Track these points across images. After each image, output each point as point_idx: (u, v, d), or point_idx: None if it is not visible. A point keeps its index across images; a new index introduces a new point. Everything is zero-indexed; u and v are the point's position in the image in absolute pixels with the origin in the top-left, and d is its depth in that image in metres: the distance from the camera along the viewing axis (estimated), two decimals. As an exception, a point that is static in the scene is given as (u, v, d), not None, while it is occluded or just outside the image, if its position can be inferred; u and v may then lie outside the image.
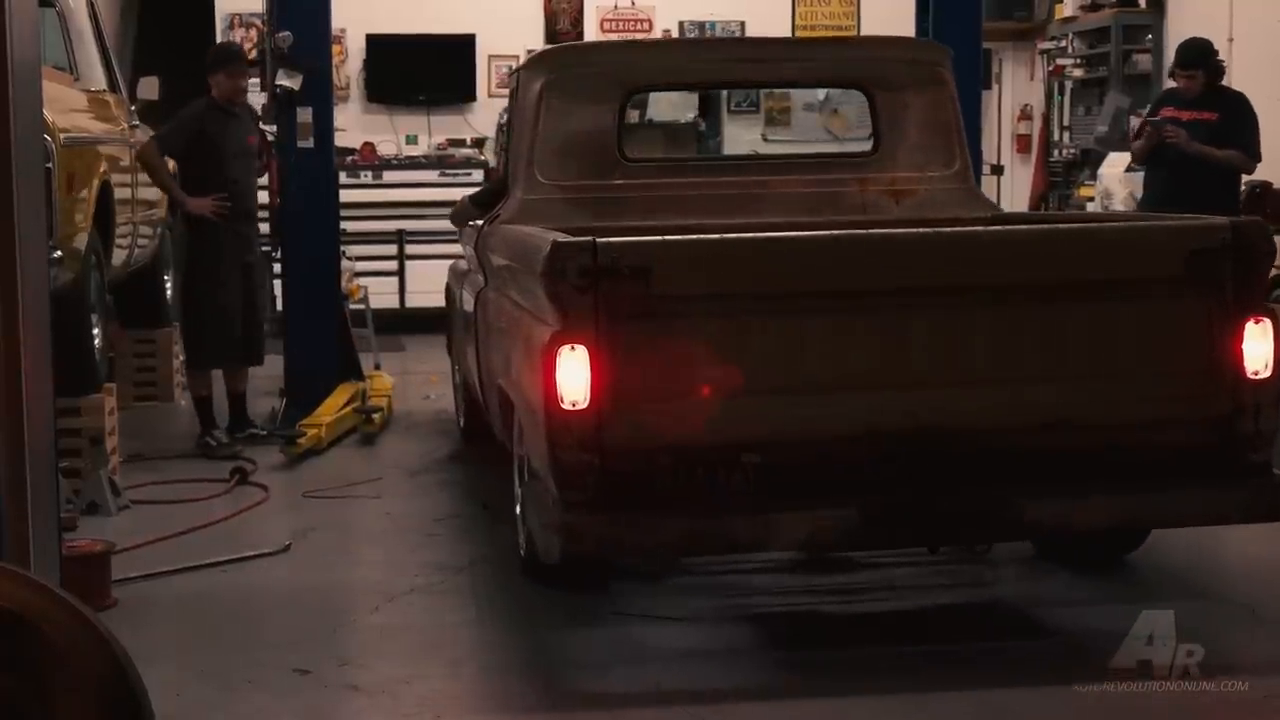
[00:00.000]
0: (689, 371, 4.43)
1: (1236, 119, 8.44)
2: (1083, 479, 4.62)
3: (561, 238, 4.53)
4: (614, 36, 13.72)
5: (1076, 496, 4.61)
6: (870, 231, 5.03)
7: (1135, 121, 9.91)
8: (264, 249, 8.70)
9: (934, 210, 6.26)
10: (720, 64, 6.89)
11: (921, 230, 5.03)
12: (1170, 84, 9.17)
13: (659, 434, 4.42)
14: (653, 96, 12.91)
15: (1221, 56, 8.74)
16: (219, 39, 13.41)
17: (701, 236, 4.77)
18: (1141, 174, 9.14)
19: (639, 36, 13.73)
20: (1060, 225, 5.48)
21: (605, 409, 4.37)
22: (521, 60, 11.25)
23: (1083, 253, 4.77)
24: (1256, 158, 8.47)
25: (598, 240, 4.39)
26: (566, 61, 6.51)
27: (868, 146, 6.69)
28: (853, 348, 4.53)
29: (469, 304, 6.63)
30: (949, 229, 5.49)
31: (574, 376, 4.35)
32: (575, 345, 4.35)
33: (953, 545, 5.41)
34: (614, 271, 4.35)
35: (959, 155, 6.46)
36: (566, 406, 4.36)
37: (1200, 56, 8.62)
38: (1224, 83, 8.79)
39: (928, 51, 6.69)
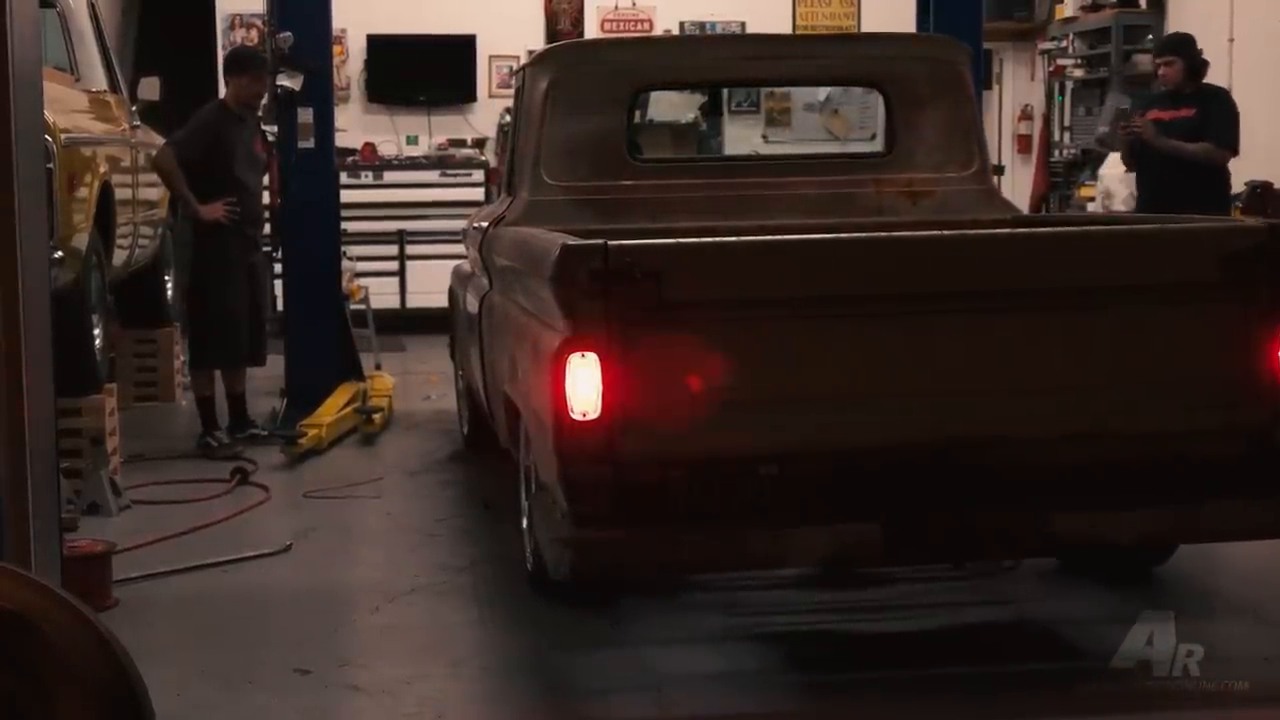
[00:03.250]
0: (704, 380, 4.20)
1: (1213, 112, 8.56)
2: (1115, 492, 4.40)
3: (571, 240, 4.35)
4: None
5: (1108, 510, 4.40)
6: (897, 234, 4.79)
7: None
8: (265, 249, 8.72)
9: (952, 212, 6.10)
10: (732, 61, 6.67)
11: (950, 233, 4.86)
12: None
13: (673, 445, 4.21)
14: (653, 95, 12.83)
15: (1202, 50, 8.79)
16: (219, 39, 13.44)
17: (718, 239, 4.57)
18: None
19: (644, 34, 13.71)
20: (1091, 227, 5.12)
21: (617, 419, 4.15)
22: (523, 60, 11.25)
23: (1117, 256, 4.54)
24: (1229, 148, 8.54)
25: (609, 243, 4.18)
26: (574, 58, 6.37)
27: (872, 147, 6.61)
28: (875, 355, 4.31)
29: (473, 308, 6.46)
30: (978, 231, 5.29)
31: (584, 385, 4.15)
32: (586, 353, 4.14)
33: (980, 561, 5.15)
34: (626, 276, 4.13)
35: (977, 155, 6.32)
36: (577, 417, 4.16)
37: (1176, 43, 8.86)
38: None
39: (945, 48, 6.50)
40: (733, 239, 4.58)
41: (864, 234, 4.99)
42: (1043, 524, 4.36)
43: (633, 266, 4.14)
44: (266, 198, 8.88)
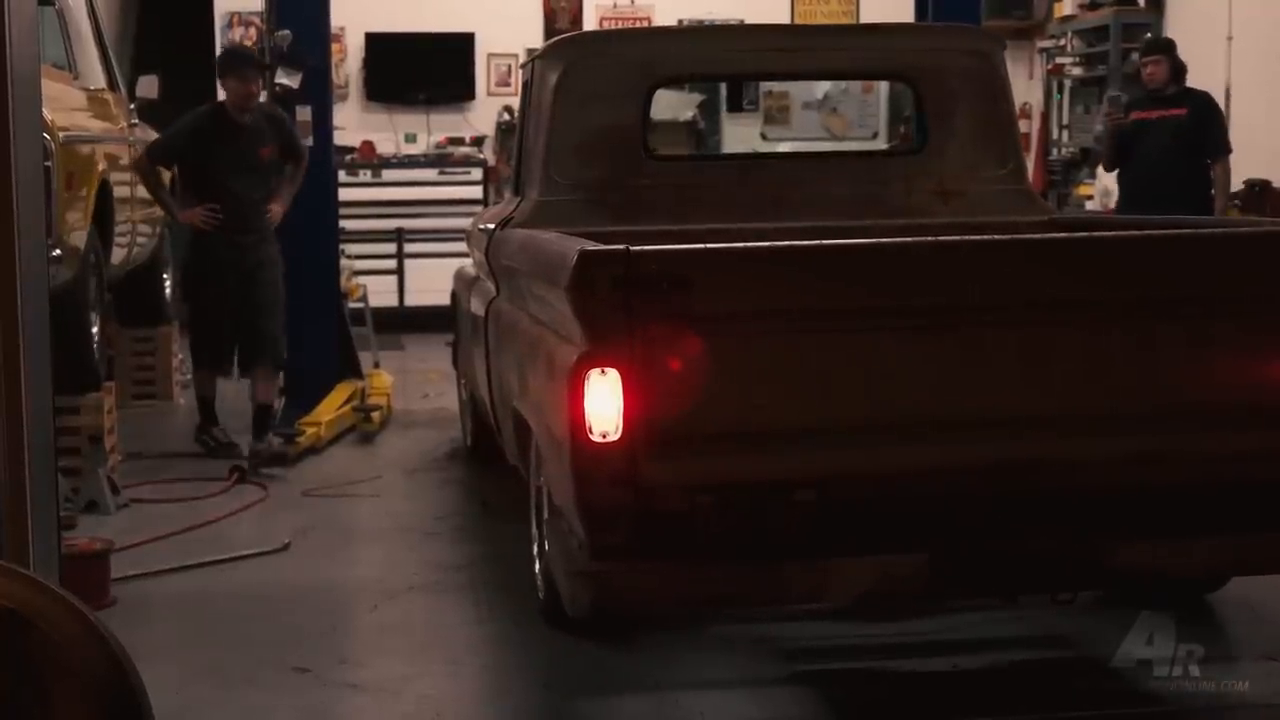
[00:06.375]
0: (736, 398, 3.85)
1: (1204, 116, 8.79)
2: (1182, 519, 4.05)
3: (589, 245, 3.95)
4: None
5: (1176, 539, 4.05)
6: (955, 239, 4.33)
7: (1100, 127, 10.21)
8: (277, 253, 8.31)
9: (986, 212, 5.76)
10: (754, 54, 6.23)
11: (1014, 238, 4.56)
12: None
13: (702, 469, 3.85)
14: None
15: (1181, 55, 9.07)
16: (218, 37, 13.44)
17: (751, 244, 4.14)
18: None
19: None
20: (1155, 231, 4.63)
21: (640, 441, 3.79)
22: (521, 58, 11.22)
23: (1189, 262, 4.15)
24: (1226, 150, 8.83)
25: (631, 248, 3.79)
26: (587, 50, 5.99)
27: (879, 145, 6.36)
28: (921, 370, 3.94)
29: (478, 315, 6.10)
30: (1041, 235, 5.05)
31: (605, 404, 3.78)
32: (606, 368, 3.78)
33: (1034, 594, 4.52)
34: (651, 284, 3.75)
35: (1012, 154, 6.04)
36: (596, 438, 3.79)
37: (1163, 44, 9.13)
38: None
39: (978, 40, 6.19)
40: (769, 244, 4.20)
41: (923, 239, 4.44)
42: (1104, 554, 4.01)
43: (659, 274, 3.77)
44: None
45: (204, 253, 7.86)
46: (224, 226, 7.75)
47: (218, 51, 13.29)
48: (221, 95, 8.22)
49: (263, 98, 8.59)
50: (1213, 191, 8.88)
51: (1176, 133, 8.65)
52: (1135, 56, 12.22)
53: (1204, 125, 8.69)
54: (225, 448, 7.87)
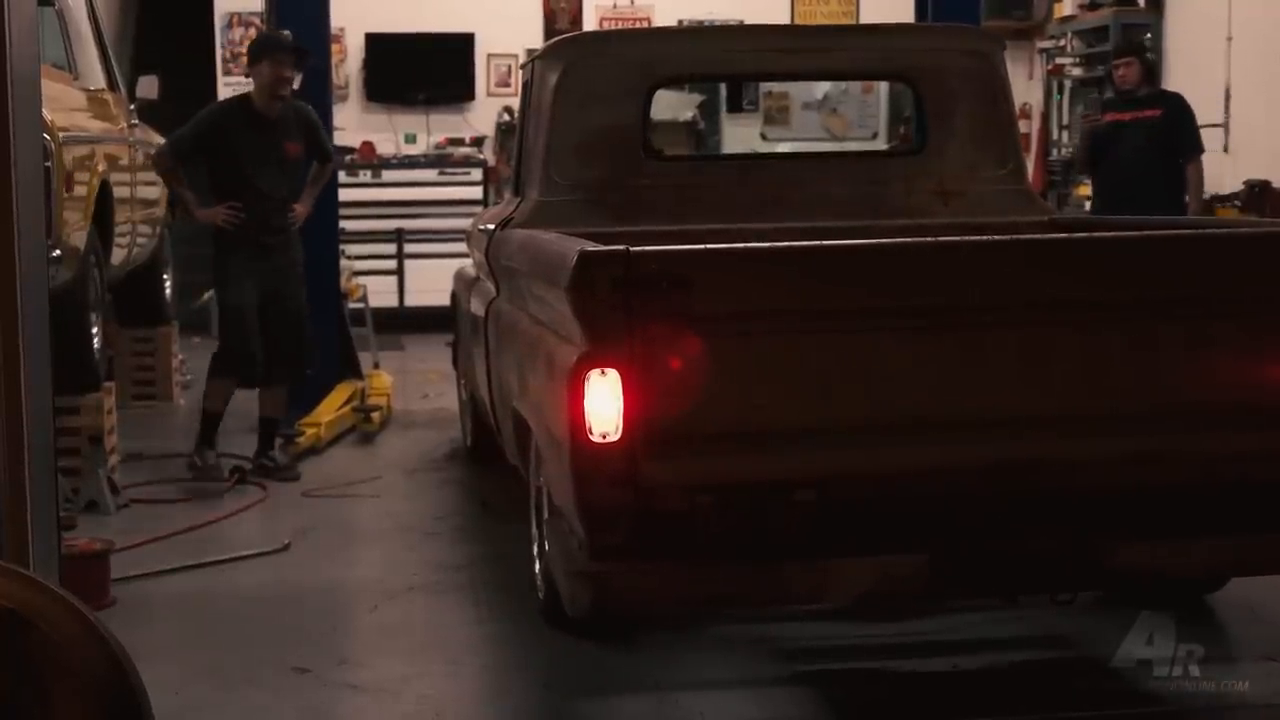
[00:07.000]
0: (735, 398, 3.85)
1: (1177, 116, 8.78)
2: (1182, 519, 4.05)
3: (589, 246, 3.94)
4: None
5: (1175, 539, 4.05)
6: (955, 239, 4.34)
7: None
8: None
9: (986, 213, 5.77)
10: (754, 54, 6.22)
11: (1014, 238, 4.56)
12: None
13: (701, 469, 3.85)
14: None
15: (1151, 54, 9.26)
16: (218, 37, 13.45)
17: (751, 244, 4.12)
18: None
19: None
20: (1155, 232, 4.62)
21: (640, 441, 3.79)
22: (521, 58, 11.21)
23: (1189, 262, 4.14)
24: (1200, 150, 8.80)
25: (631, 248, 3.79)
26: (587, 50, 5.96)
27: (879, 146, 6.33)
28: (921, 371, 3.94)
29: (478, 315, 6.07)
30: (1041, 236, 5.06)
31: (604, 404, 3.78)
32: (606, 369, 3.78)
33: (1034, 594, 4.46)
34: (651, 284, 3.75)
35: (1012, 154, 6.04)
36: (596, 438, 3.79)
37: (1134, 45, 9.23)
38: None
39: (979, 41, 6.18)
40: (770, 244, 4.17)
41: (926, 239, 4.43)
42: (1104, 554, 4.00)
43: (659, 274, 3.77)
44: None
45: (228, 254, 7.42)
46: (247, 226, 7.37)
47: (217, 51, 13.36)
48: (226, 93, 8.15)
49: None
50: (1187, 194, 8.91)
51: (1151, 134, 8.66)
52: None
53: (1178, 126, 8.71)
54: (211, 469, 7.40)
